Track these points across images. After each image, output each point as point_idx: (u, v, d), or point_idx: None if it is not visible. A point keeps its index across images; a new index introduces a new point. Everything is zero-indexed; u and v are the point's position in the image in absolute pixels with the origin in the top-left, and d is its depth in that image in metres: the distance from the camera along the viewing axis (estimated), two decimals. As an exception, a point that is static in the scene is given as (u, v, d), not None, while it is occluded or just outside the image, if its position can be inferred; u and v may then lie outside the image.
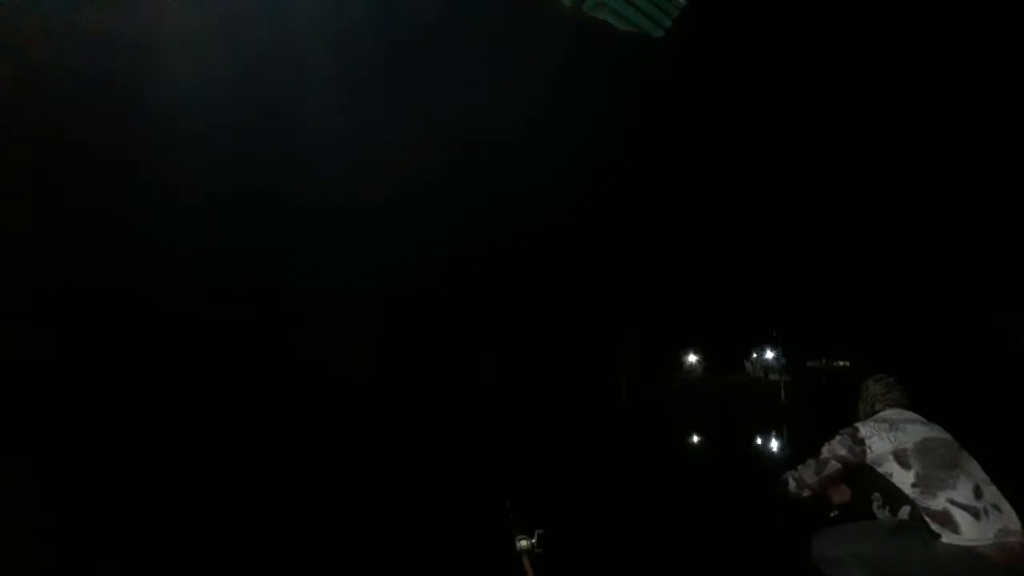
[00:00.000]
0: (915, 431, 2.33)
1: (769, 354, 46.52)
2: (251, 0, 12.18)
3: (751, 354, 50.19)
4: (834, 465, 2.37)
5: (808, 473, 2.41)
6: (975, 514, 2.08)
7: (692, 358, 53.82)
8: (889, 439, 2.31)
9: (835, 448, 2.39)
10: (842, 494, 2.45)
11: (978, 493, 2.14)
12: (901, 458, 2.26)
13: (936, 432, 2.34)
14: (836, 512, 2.48)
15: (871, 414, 2.53)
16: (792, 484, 2.45)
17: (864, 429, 2.38)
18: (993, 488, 2.19)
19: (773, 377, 42.37)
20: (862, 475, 2.38)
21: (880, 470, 2.30)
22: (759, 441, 16.11)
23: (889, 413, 2.46)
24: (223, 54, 13.28)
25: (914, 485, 2.20)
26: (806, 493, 2.44)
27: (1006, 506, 2.15)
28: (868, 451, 2.33)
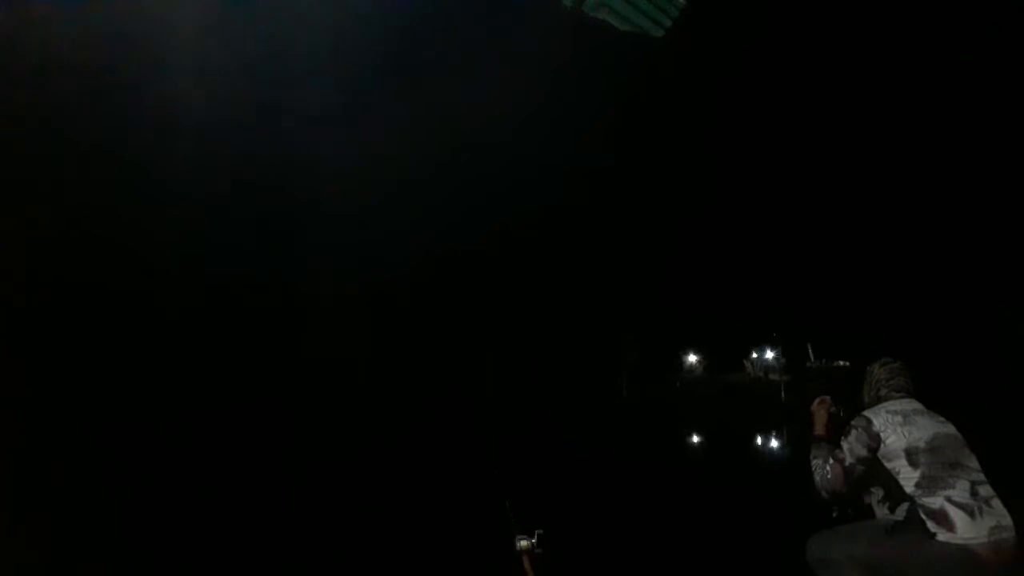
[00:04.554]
0: (926, 425, 2.30)
1: (769, 354, 46.51)
2: (254, 1, 12.17)
3: (751, 354, 50.15)
4: (859, 469, 2.32)
5: (838, 483, 2.35)
6: (970, 512, 2.09)
7: (692, 358, 53.81)
8: (903, 434, 2.28)
9: (855, 448, 2.33)
10: (866, 493, 2.41)
11: (974, 491, 2.15)
12: (912, 456, 2.23)
13: (944, 427, 2.32)
14: (836, 512, 2.47)
15: (876, 400, 2.49)
16: (825, 495, 2.40)
17: (877, 421, 2.34)
18: (987, 485, 2.20)
19: (773, 377, 42.33)
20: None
21: (888, 466, 2.27)
22: (759, 441, 16.11)
23: (898, 404, 2.41)
24: (222, 54, 13.26)
25: (917, 484, 2.19)
26: (840, 500, 2.40)
27: (997, 502, 2.16)
28: (883, 445, 2.29)
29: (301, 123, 22.63)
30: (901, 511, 2.22)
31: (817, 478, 2.42)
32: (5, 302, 16.63)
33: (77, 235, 20.93)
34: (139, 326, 22.94)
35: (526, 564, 2.48)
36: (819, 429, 2.62)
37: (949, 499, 2.12)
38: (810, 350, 3.24)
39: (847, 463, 2.34)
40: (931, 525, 2.11)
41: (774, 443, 15.63)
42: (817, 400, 2.71)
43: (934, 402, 2.46)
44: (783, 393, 33.25)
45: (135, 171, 21.16)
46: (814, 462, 2.48)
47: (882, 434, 2.30)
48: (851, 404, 2.59)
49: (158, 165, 20.93)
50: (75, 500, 7.30)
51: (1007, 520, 2.11)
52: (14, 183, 15.87)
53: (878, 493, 2.33)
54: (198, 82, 14.21)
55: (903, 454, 2.25)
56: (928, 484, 2.17)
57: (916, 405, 2.42)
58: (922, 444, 2.25)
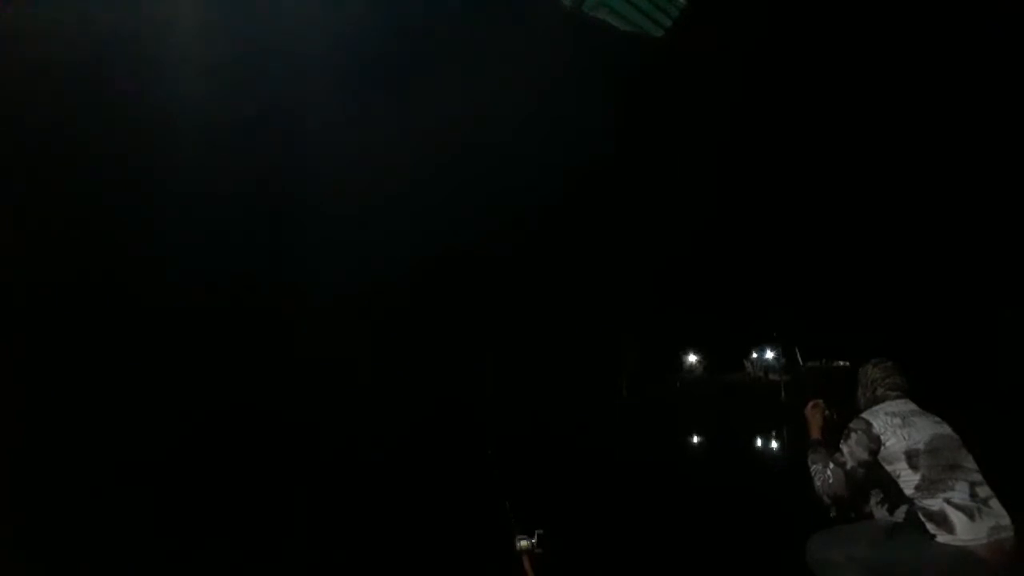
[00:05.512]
0: (924, 427, 2.30)
1: (769, 354, 46.44)
2: (252, 1, 12.18)
3: (751, 354, 50.10)
4: (860, 472, 2.31)
5: (840, 487, 2.33)
6: (970, 514, 2.09)
7: (692, 358, 53.76)
8: (903, 436, 2.27)
9: (856, 452, 2.31)
10: (865, 495, 2.39)
11: (973, 493, 2.15)
12: (912, 459, 2.22)
13: (941, 428, 2.32)
14: (835, 513, 2.47)
15: (872, 399, 2.48)
16: (826, 500, 2.39)
17: (876, 423, 2.33)
18: (985, 486, 2.20)
19: (773, 377, 42.28)
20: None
21: (888, 468, 2.26)
22: (759, 441, 16.11)
23: (896, 405, 2.40)
24: (223, 55, 13.26)
25: (917, 487, 2.19)
26: (841, 503, 2.39)
27: (995, 503, 2.16)
28: (883, 447, 2.28)
29: (301, 124, 22.62)
30: (900, 513, 2.22)
31: (818, 483, 2.41)
32: (5, 301, 16.62)
33: (77, 235, 20.93)
34: (140, 326, 22.93)
35: (526, 564, 2.48)
36: (815, 433, 2.61)
37: (948, 501, 2.12)
38: (798, 354, 3.21)
39: (848, 467, 2.32)
40: (930, 527, 2.11)
41: (774, 443, 15.62)
42: (811, 403, 2.70)
43: (934, 403, 2.46)
44: (783, 393, 33.22)
45: (135, 171, 21.16)
46: (813, 467, 2.46)
47: (882, 436, 2.29)
48: (848, 405, 2.58)
49: (158, 165, 20.93)
50: (77, 499, 7.30)
51: (1006, 520, 2.12)
52: (14, 183, 15.87)
53: (877, 495, 2.33)
54: (199, 83, 14.22)
55: (903, 456, 2.24)
56: (928, 486, 2.17)
57: (912, 406, 2.42)
58: (921, 446, 2.24)
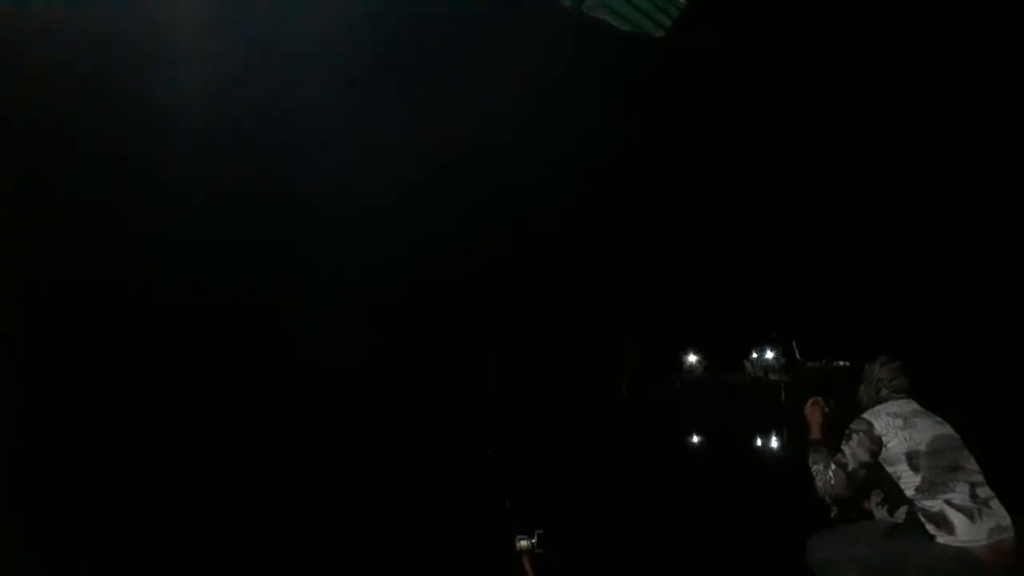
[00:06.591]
0: (926, 428, 2.29)
1: (769, 354, 46.45)
2: (252, 0, 12.17)
3: (751, 354, 50.13)
4: (861, 473, 2.31)
5: (841, 488, 2.34)
6: (970, 515, 2.09)
7: (692, 358, 53.78)
8: (904, 438, 2.26)
9: (857, 453, 2.31)
10: (866, 495, 2.40)
11: (973, 494, 2.15)
12: (913, 460, 2.23)
13: (942, 428, 2.32)
14: (835, 514, 2.47)
15: (876, 399, 2.46)
16: (828, 501, 2.40)
17: (878, 424, 2.32)
18: (986, 486, 2.20)
19: (773, 377, 42.28)
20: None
21: (889, 469, 2.26)
22: (759, 441, 16.12)
23: (898, 406, 2.39)
24: (222, 54, 13.25)
25: (918, 488, 2.19)
26: (842, 504, 2.40)
27: (996, 504, 2.16)
28: (884, 449, 2.28)
29: (300, 124, 22.62)
30: (901, 513, 2.22)
31: (819, 483, 2.41)
32: (5, 302, 16.63)
33: (76, 235, 20.93)
34: (140, 327, 22.94)
35: (526, 564, 2.48)
36: (815, 432, 2.60)
37: (948, 502, 2.12)
38: (795, 347, 3.19)
39: (850, 468, 2.32)
40: (931, 528, 2.11)
41: (774, 443, 15.63)
42: (810, 401, 2.70)
43: (934, 404, 2.45)
44: (783, 394, 33.22)
45: (135, 172, 21.16)
46: (814, 467, 2.46)
47: (884, 438, 2.29)
48: (849, 404, 2.57)
49: (157, 166, 20.93)
50: (75, 503, 7.29)
51: (1007, 521, 2.12)
52: (15, 183, 15.88)
53: (878, 496, 2.33)
54: (198, 83, 14.22)
55: (904, 458, 2.24)
56: (928, 487, 2.18)
57: (915, 406, 2.41)
58: (923, 447, 2.24)
